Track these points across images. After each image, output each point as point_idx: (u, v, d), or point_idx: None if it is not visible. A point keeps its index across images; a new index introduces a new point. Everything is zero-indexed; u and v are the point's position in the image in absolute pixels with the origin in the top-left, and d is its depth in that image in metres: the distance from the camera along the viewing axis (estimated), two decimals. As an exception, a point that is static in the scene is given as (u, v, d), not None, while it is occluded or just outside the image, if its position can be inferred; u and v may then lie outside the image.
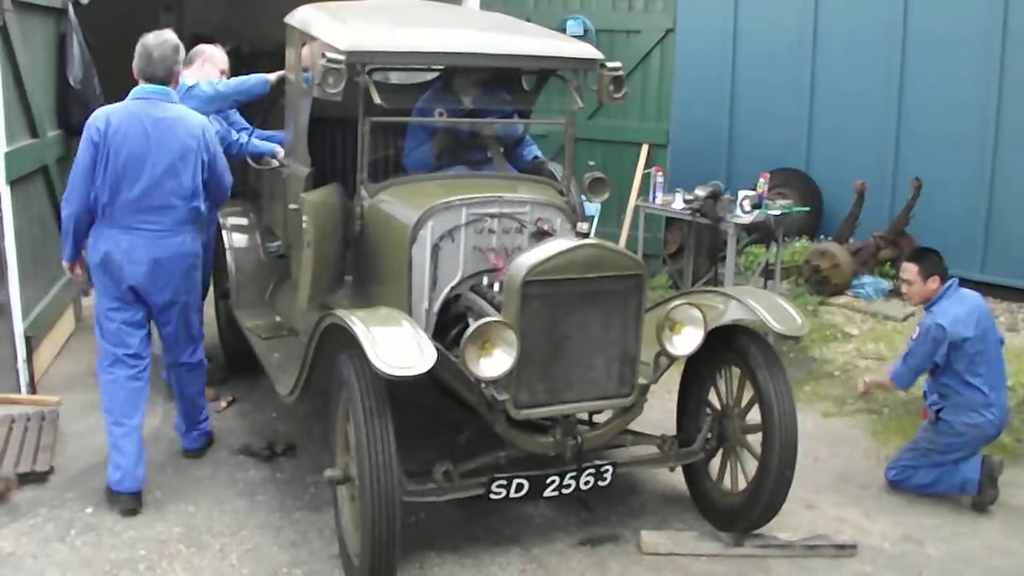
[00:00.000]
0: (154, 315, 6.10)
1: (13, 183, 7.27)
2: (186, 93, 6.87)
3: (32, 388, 7.44)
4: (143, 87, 5.92)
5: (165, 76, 5.93)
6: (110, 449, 5.95)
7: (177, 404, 6.57)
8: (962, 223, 10.62)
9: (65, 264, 6.18)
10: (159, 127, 5.81)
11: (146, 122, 5.79)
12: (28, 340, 7.41)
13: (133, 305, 5.96)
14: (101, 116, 5.80)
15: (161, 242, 5.85)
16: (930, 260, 6.53)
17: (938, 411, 6.31)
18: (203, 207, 6.05)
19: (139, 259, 5.82)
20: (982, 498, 6.21)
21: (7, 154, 7.16)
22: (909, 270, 6.50)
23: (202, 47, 7.62)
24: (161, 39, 5.94)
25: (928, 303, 6.44)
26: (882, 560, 5.62)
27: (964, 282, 9.79)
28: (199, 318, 6.39)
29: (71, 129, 8.69)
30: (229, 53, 7.65)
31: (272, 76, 7.32)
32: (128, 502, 5.87)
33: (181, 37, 6.31)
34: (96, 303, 6.06)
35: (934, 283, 6.42)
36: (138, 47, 5.94)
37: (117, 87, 7.48)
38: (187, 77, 7.03)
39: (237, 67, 7.48)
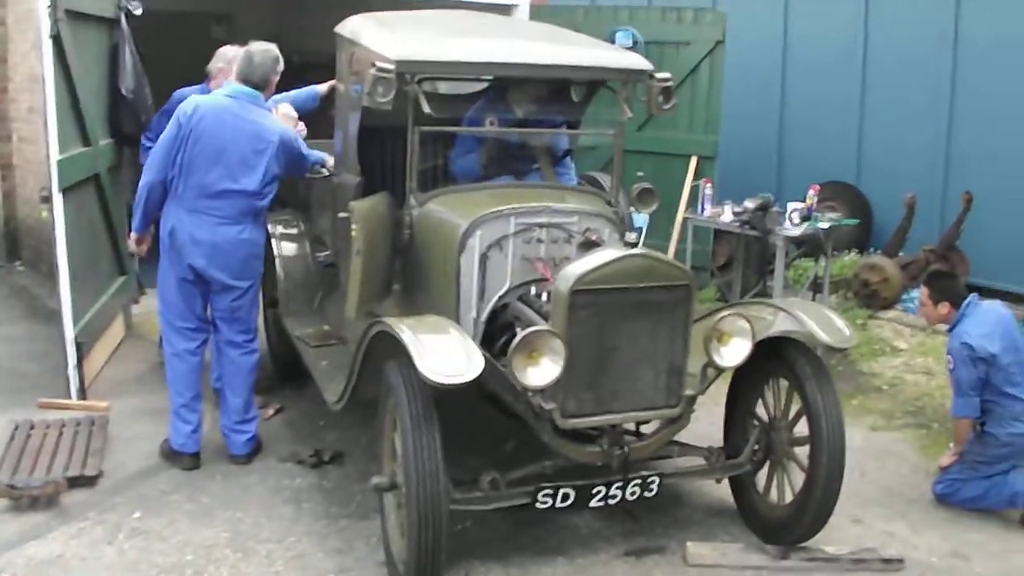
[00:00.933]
0: (211, 296, 6.51)
1: (65, 191, 7.36)
2: None
3: (82, 394, 7.52)
4: (236, 86, 6.38)
5: (260, 81, 6.35)
6: (172, 416, 6.54)
7: (222, 397, 6.71)
8: (1014, 237, 10.48)
9: (132, 236, 6.65)
10: (239, 126, 6.24)
11: (229, 118, 6.24)
12: (79, 346, 7.49)
13: (194, 283, 6.37)
14: (191, 102, 6.32)
15: (220, 228, 6.28)
16: (940, 285, 6.56)
17: (982, 424, 6.26)
18: (266, 204, 6.49)
19: (200, 240, 6.27)
20: (1031, 513, 6.16)
21: (59, 162, 7.25)
22: (922, 292, 6.60)
23: (225, 51, 7.61)
24: (264, 48, 6.39)
25: (949, 326, 6.45)
26: (930, 575, 5.57)
27: (1016, 297, 9.81)
28: (255, 312, 6.71)
29: (123, 138, 8.78)
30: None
31: (322, 87, 7.36)
32: (189, 461, 6.53)
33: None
34: (160, 277, 6.48)
35: (944, 308, 6.45)
36: (243, 52, 6.47)
37: (168, 97, 7.56)
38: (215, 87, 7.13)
39: (288, 78, 7.50)
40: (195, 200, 6.23)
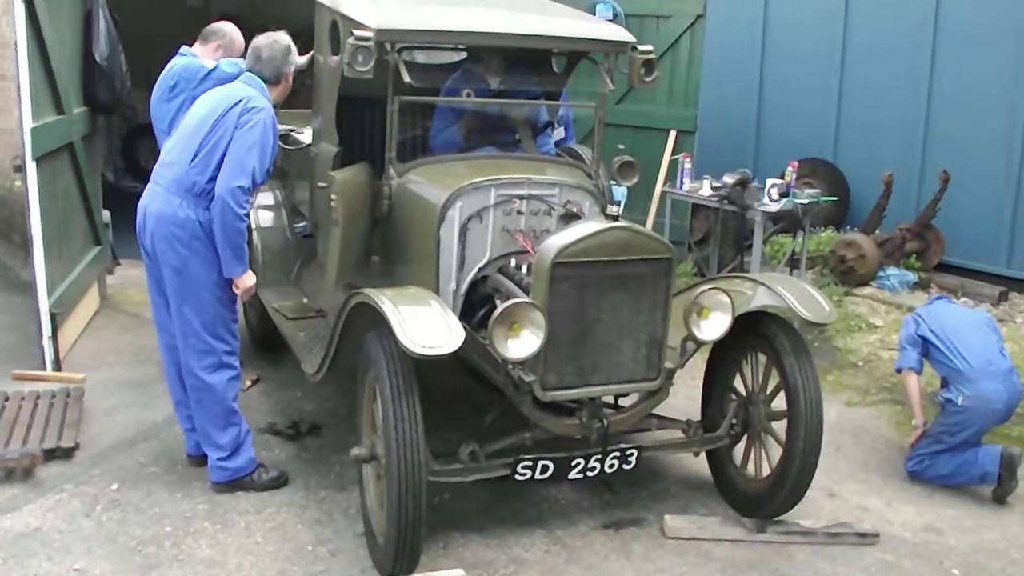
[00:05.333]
0: None
1: (39, 160, 7.31)
2: (206, 77, 6.82)
3: (57, 365, 7.47)
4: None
5: (271, 77, 5.84)
6: None
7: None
8: (989, 218, 10.56)
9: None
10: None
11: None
12: (53, 317, 7.43)
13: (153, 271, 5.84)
14: None
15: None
16: None
17: (944, 397, 6.37)
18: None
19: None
20: (1002, 490, 6.23)
21: (33, 130, 7.19)
22: None
23: (222, 27, 7.32)
24: (271, 39, 5.87)
25: None
26: (904, 549, 5.61)
27: (990, 276, 9.88)
28: (199, 322, 5.68)
29: (97, 106, 8.71)
30: (257, 32, 7.58)
31: (301, 59, 7.28)
32: (190, 462, 6.15)
33: (207, 17, 6.26)
34: None
35: None
36: (250, 47, 5.91)
37: (143, 65, 7.47)
38: (203, 58, 7.00)
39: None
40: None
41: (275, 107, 5.82)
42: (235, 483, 5.87)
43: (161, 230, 5.57)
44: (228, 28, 7.25)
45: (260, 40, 5.86)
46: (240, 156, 5.46)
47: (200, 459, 6.05)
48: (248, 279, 5.70)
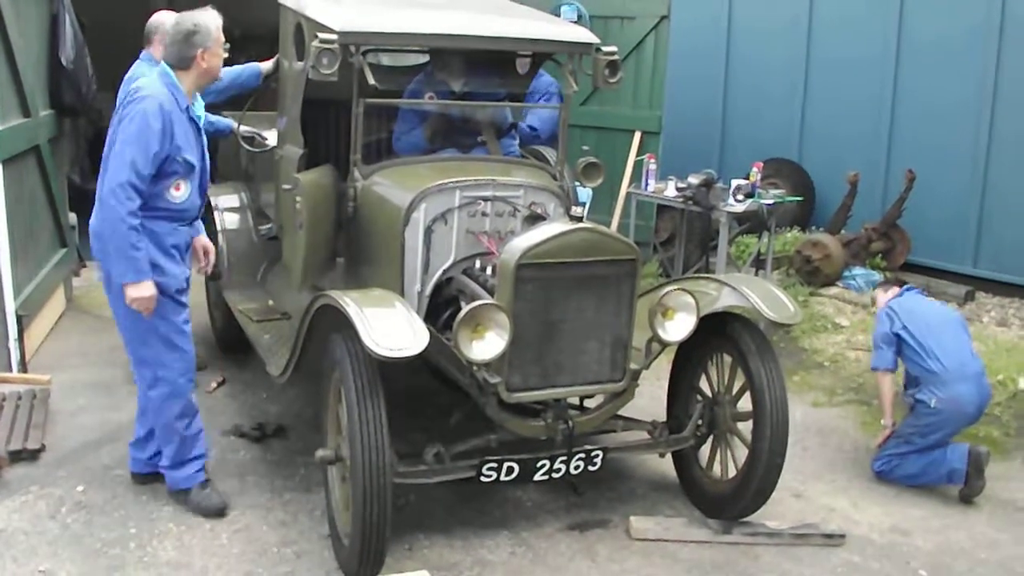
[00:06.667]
0: None
1: (5, 162, 7.27)
2: None
3: (23, 367, 7.43)
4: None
5: (175, 62, 5.29)
6: None
7: None
8: (954, 217, 10.62)
9: None
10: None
11: None
12: (19, 319, 7.39)
13: None
14: None
15: None
16: (889, 279, 7.53)
17: (915, 397, 6.39)
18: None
19: None
20: (970, 489, 6.25)
21: (-1, 132, 7.16)
22: (880, 293, 7.04)
23: (153, 20, 6.83)
24: (172, 22, 5.40)
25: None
26: (870, 550, 5.64)
27: (956, 276, 9.92)
28: (126, 335, 5.52)
29: (63, 109, 8.67)
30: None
31: (265, 65, 7.24)
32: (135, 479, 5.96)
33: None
34: None
35: (892, 291, 6.88)
36: None
37: (108, 67, 7.42)
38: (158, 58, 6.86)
39: (230, 51, 7.38)
40: None
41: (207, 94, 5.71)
42: (174, 492, 5.73)
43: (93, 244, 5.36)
44: (157, 18, 6.80)
45: (166, 25, 5.64)
46: (119, 151, 5.15)
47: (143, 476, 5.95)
48: (138, 290, 5.16)
